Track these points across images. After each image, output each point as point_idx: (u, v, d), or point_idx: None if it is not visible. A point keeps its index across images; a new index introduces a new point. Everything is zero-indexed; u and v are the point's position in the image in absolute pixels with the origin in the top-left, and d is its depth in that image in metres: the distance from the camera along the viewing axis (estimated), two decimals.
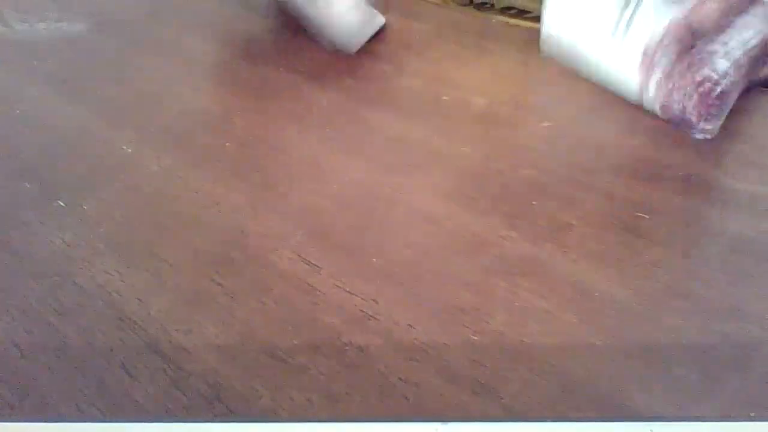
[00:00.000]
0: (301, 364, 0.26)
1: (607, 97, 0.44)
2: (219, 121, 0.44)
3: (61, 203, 0.36)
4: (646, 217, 0.34)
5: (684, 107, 0.39)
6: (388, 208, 0.35)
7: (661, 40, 0.40)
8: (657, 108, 0.41)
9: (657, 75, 0.40)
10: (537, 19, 0.62)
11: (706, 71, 0.37)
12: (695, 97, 0.38)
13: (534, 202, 0.35)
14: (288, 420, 0.24)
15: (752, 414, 0.24)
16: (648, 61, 0.41)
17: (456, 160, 0.39)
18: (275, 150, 0.40)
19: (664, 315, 0.28)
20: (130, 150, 0.41)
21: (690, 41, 0.38)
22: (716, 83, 0.37)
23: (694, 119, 0.38)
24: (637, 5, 0.41)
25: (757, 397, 0.24)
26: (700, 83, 0.37)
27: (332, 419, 0.24)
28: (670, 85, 0.39)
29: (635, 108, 0.43)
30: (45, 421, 0.24)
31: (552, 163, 0.38)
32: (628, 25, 0.42)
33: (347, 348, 0.27)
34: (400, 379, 0.25)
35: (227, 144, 0.41)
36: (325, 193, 0.36)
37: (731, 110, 0.39)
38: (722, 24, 0.37)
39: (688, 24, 0.38)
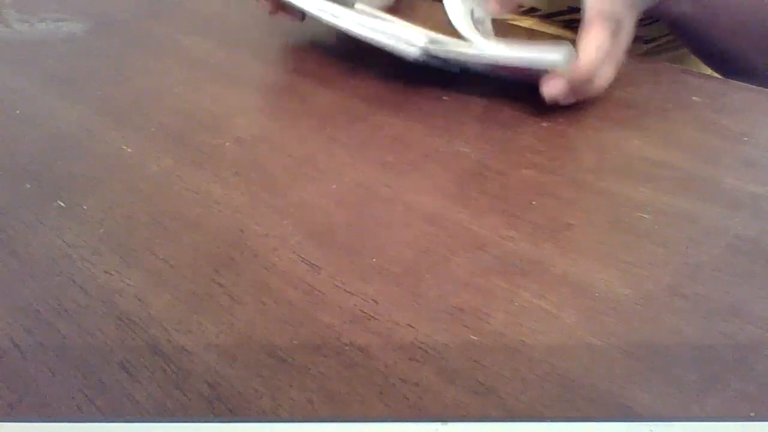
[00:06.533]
0: (301, 364, 0.26)
1: (606, 96, 0.44)
2: (219, 121, 0.44)
3: (61, 203, 0.36)
4: (646, 217, 0.34)
5: None
6: (388, 208, 0.35)
7: None
8: None
9: None
10: (533, 17, 0.62)
11: None
12: None
13: (534, 202, 0.35)
14: (288, 420, 0.24)
15: (752, 414, 0.24)
16: None
17: (456, 160, 0.39)
18: (275, 150, 0.40)
19: (664, 315, 0.28)
20: (130, 150, 0.41)
21: None
22: None
23: None
24: None
25: (757, 397, 0.24)
26: None
27: (332, 419, 0.24)
28: None
29: (635, 108, 0.43)
30: (45, 421, 0.24)
31: (552, 163, 0.38)
32: None
33: (347, 348, 0.27)
34: (400, 379, 0.25)
35: (227, 144, 0.41)
36: (325, 193, 0.36)
37: (731, 110, 0.38)
38: None
39: None
